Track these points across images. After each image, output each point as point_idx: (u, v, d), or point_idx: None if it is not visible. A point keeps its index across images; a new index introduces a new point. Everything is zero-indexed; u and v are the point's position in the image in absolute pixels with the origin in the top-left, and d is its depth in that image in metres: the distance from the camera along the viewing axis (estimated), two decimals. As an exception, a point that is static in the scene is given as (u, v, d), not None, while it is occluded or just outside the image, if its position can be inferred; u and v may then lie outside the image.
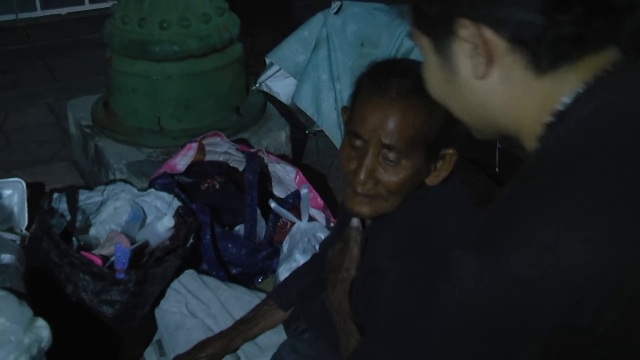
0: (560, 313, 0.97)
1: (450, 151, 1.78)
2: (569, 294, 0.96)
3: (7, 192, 3.09)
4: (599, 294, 0.95)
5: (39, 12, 5.61)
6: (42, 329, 1.88)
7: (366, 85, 1.78)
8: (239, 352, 2.30)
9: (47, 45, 5.22)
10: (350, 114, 1.81)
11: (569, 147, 1.02)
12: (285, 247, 2.68)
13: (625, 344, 0.99)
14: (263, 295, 2.47)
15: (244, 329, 2.22)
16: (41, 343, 1.86)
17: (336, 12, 3.31)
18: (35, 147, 3.86)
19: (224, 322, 2.37)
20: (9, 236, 2.82)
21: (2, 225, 2.94)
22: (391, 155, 1.74)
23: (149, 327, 2.52)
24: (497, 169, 3.24)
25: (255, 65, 3.78)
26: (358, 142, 1.76)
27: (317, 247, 2.67)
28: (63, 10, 5.66)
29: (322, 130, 3.69)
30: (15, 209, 3.08)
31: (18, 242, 2.83)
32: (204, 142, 2.94)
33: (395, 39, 3.23)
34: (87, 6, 5.73)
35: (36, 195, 3.26)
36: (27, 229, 3.07)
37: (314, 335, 2.14)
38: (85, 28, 5.45)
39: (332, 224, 2.78)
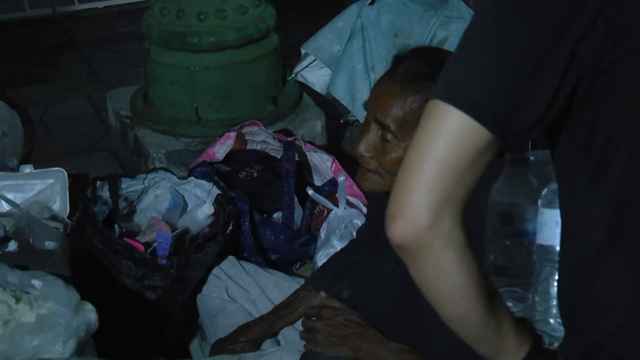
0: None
1: None
2: None
3: (49, 181, 3.11)
4: None
5: (77, 6, 5.64)
6: (90, 312, 1.90)
7: (389, 68, 1.85)
8: (279, 336, 2.31)
9: (84, 39, 5.26)
10: None
11: None
12: (322, 234, 2.69)
13: None
14: (301, 281, 2.48)
15: (283, 314, 2.23)
16: (89, 326, 1.88)
17: (370, 3, 3.32)
18: (75, 137, 3.90)
19: (264, 307, 2.39)
20: (53, 224, 2.85)
21: (45, 213, 2.97)
22: (388, 135, 1.79)
23: (191, 312, 2.54)
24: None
25: (289, 57, 3.78)
26: (368, 116, 1.84)
27: (354, 233, 2.68)
28: (100, 4, 5.70)
29: (356, 120, 3.70)
30: (58, 198, 3.10)
31: (61, 229, 2.86)
32: (242, 131, 2.96)
33: (428, 29, 3.24)
34: (124, -1, 5.76)
35: (77, 185, 3.29)
36: (68, 217, 3.11)
37: None
38: (122, 21, 5.49)
39: (368, 212, 2.78)
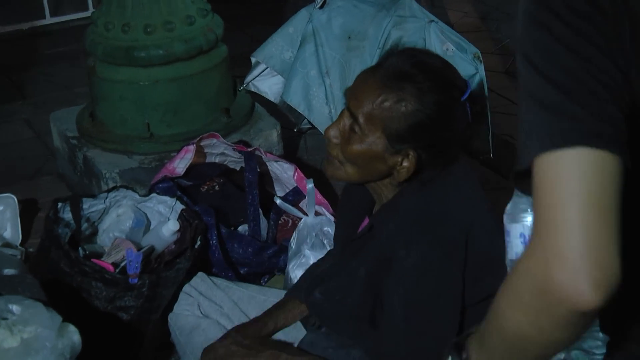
0: None
1: (411, 153, 1.85)
2: None
3: (-2, 208, 3.12)
4: None
5: (-1, 28, 5.61)
6: (73, 334, 1.93)
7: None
8: None
9: (10, 62, 5.22)
10: None
11: None
12: (293, 244, 2.74)
13: None
14: (275, 292, 2.53)
15: (276, 314, 2.26)
16: (73, 348, 1.91)
17: (321, 7, 3.39)
18: (17, 162, 3.87)
19: (239, 321, 2.43)
20: (9, 251, 2.85)
21: (-4, 241, 2.97)
22: (356, 127, 1.86)
23: (162, 333, 2.57)
24: (491, 155, 3.33)
25: (232, 68, 3.84)
26: (345, 104, 1.91)
27: (325, 241, 2.74)
28: (24, 25, 5.66)
29: (310, 128, 3.77)
30: (9, 225, 3.11)
31: (18, 256, 2.87)
32: (201, 144, 3.00)
33: (382, 30, 3.32)
34: (49, 20, 5.74)
35: (26, 211, 3.30)
36: (21, 244, 3.11)
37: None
38: (48, 42, 5.47)
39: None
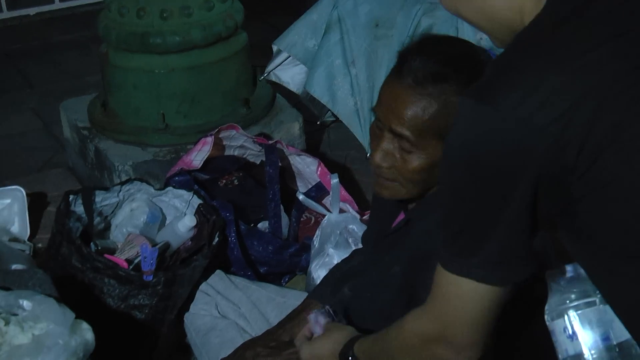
0: (547, 150, 1.24)
1: None
2: (555, 129, 1.23)
3: (5, 201, 3.14)
4: (579, 128, 1.23)
5: (5, 13, 5.64)
6: (87, 332, 1.94)
7: (394, 66, 1.87)
8: None
9: (16, 49, 5.26)
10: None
11: (550, 14, 1.31)
12: (316, 242, 2.75)
13: (611, 187, 1.26)
14: (295, 294, 2.54)
15: (290, 327, 2.28)
16: (87, 346, 1.92)
17: (347, -7, 3.39)
18: (25, 155, 3.91)
19: (256, 323, 2.44)
20: (18, 246, 2.87)
21: (4, 236, 2.99)
22: (406, 145, 1.82)
23: (178, 332, 2.58)
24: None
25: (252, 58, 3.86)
26: (380, 124, 1.87)
27: (350, 240, 2.75)
28: (31, 10, 5.70)
29: (334, 121, 3.78)
30: (17, 219, 3.13)
31: (27, 251, 2.89)
32: (220, 135, 3.01)
33: (411, 18, 3.31)
34: (57, 5, 5.77)
35: (34, 205, 3.32)
36: (29, 239, 3.13)
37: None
38: (57, 29, 5.50)
39: (363, 217, 2.84)
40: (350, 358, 1.72)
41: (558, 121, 1.23)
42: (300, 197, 2.82)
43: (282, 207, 2.94)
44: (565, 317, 1.49)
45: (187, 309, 2.54)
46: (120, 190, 2.76)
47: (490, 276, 1.38)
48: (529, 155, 1.25)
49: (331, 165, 3.25)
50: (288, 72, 3.62)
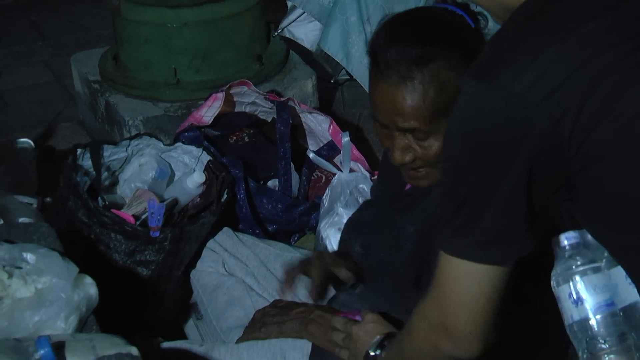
0: (543, 124, 1.26)
1: None
2: (550, 102, 1.25)
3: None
4: (574, 100, 1.25)
5: (20, -35, 5.60)
6: (90, 286, 1.92)
7: (371, 65, 1.81)
8: None
9: (29, 1, 5.24)
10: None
11: None
12: (325, 201, 2.74)
13: (608, 162, 1.28)
14: (303, 252, 2.53)
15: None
16: (90, 301, 1.91)
17: (363, -52, 3.35)
18: (35, 107, 3.90)
19: (264, 281, 2.43)
20: (24, 199, 2.86)
21: (13, 189, 2.99)
22: (418, 135, 1.79)
23: (184, 290, 2.58)
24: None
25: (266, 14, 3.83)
26: (384, 128, 1.83)
27: (360, 199, 2.73)
28: (45, -38, 5.66)
29: (348, 80, 3.75)
30: (24, 172, 3.12)
31: (35, 205, 2.88)
32: (231, 92, 2.99)
33: (428, -25, 3.27)
34: (72, -43, 5.72)
35: (43, 159, 3.31)
36: (38, 193, 3.12)
37: (366, 290, 2.20)
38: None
39: (373, 177, 2.82)
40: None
41: (553, 94, 1.25)
42: (311, 155, 2.80)
43: (292, 165, 2.92)
44: (571, 282, 1.49)
45: (194, 266, 2.53)
46: (129, 145, 2.75)
47: (486, 255, 1.39)
48: (525, 131, 1.28)
49: (344, 124, 3.23)
50: (302, 29, 3.59)
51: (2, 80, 4.16)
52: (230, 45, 3.31)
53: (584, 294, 1.49)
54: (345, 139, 2.74)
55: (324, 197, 2.76)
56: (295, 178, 2.94)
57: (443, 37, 1.78)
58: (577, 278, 1.49)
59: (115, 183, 2.78)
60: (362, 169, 2.87)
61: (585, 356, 1.52)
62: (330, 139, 3.01)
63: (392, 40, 1.77)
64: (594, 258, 1.50)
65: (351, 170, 2.80)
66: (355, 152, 2.95)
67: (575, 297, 1.49)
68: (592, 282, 1.49)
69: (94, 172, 2.65)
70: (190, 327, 2.63)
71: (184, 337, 2.60)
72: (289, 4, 3.60)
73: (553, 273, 1.53)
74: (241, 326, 2.34)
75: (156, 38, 3.27)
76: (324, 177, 2.99)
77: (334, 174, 2.80)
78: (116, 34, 3.41)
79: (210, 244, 2.54)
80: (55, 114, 3.83)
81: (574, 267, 1.50)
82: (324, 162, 2.81)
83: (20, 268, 1.93)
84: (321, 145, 3.05)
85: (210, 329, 2.46)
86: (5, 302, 1.84)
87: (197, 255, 2.53)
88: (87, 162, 2.64)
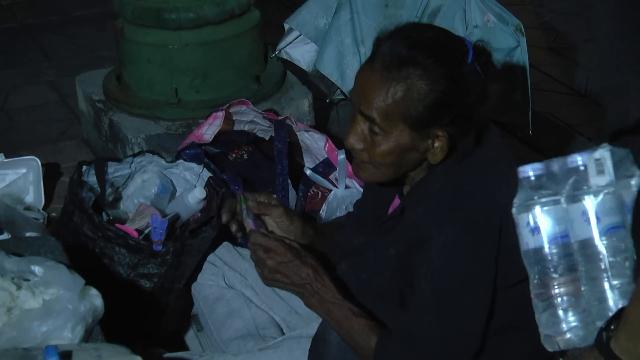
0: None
1: (439, 133, 1.85)
2: None
3: (21, 170, 3.16)
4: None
5: (26, -12, 5.63)
6: (95, 298, 1.96)
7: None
8: (282, 323, 2.37)
9: (35, 23, 5.27)
10: None
11: None
12: (323, 215, 2.76)
13: None
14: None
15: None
16: (95, 312, 1.94)
17: (357, -26, 3.37)
18: (41, 126, 3.93)
19: (263, 293, 2.45)
20: (32, 215, 2.89)
21: (18, 205, 3.01)
22: (375, 128, 1.85)
23: (185, 302, 2.60)
24: (530, 132, 3.32)
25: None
26: (354, 107, 1.91)
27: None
28: (51, -15, 5.69)
29: (343, 99, 3.78)
30: (32, 188, 3.15)
31: (41, 220, 2.90)
32: (230, 110, 3.01)
33: (421, -2, 3.30)
34: (77, -20, 5.75)
35: (49, 175, 3.33)
36: (43, 209, 3.15)
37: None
38: (74, 4, 5.50)
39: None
40: None
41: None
42: (308, 172, 2.83)
43: (289, 181, 2.94)
44: (530, 212, 1.55)
45: (195, 279, 2.55)
46: (132, 162, 2.77)
47: None
48: None
49: (339, 142, 3.24)
50: (299, 50, 3.61)
51: (9, 100, 4.19)
52: (230, 66, 3.34)
53: (541, 225, 1.55)
54: (341, 156, 2.77)
55: (320, 212, 2.78)
56: (292, 194, 2.96)
57: (434, 52, 1.83)
58: (537, 209, 1.55)
59: (119, 199, 2.80)
60: (357, 186, 2.90)
61: (535, 282, 1.58)
62: (326, 156, 3.03)
63: (393, 36, 1.86)
64: (555, 191, 1.54)
65: (346, 187, 2.83)
66: (351, 169, 2.97)
67: (532, 226, 1.55)
68: (550, 214, 1.55)
69: (99, 188, 2.67)
70: (191, 338, 2.65)
71: (185, 347, 2.62)
72: (286, 27, 3.62)
73: (515, 200, 1.58)
74: (241, 337, 2.37)
75: (158, 59, 3.29)
76: (320, 193, 3.01)
77: (330, 190, 2.83)
78: (119, 55, 3.43)
79: (211, 257, 2.56)
80: (60, 133, 3.86)
81: (535, 197, 1.55)
82: (320, 178, 2.83)
83: (29, 280, 1.97)
84: (317, 162, 3.07)
85: (210, 339, 2.49)
86: (14, 313, 1.87)
87: (198, 268, 2.55)
88: (92, 179, 2.66)
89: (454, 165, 1.90)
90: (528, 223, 1.55)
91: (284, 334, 2.35)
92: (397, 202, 2.05)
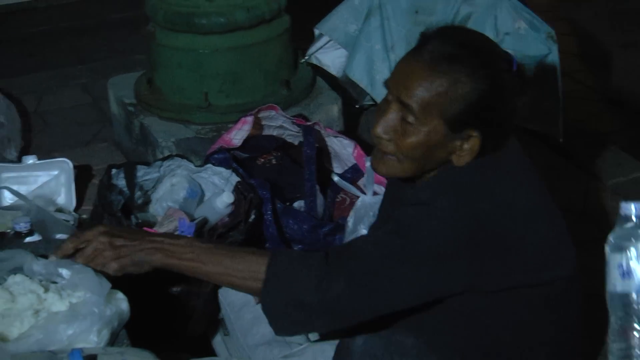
0: None
1: (474, 133, 1.83)
2: None
3: (53, 172, 3.16)
4: None
5: (62, -8, 5.67)
6: (121, 302, 1.94)
7: (415, 45, 1.90)
8: None
9: (70, 26, 5.30)
10: None
11: None
12: (350, 222, 2.74)
13: None
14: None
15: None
16: (121, 315, 1.92)
17: (388, -21, 3.36)
18: (73, 128, 3.94)
19: (289, 298, 2.43)
20: (63, 216, 2.89)
21: (50, 206, 3.02)
22: (409, 117, 1.82)
23: (213, 306, 2.59)
24: (560, 140, 3.28)
25: (296, 40, 3.85)
26: (389, 96, 1.87)
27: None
28: (87, -11, 5.72)
29: (373, 105, 3.75)
30: (63, 190, 3.15)
31: (71, 222, 2.91)
32: (259, 115, 3.01)
33: (451, 5, 3.29)
34: (112, -16, 5.78)
35: (80, 177, 3.34)
36: (75, 210, 3.15)
37: None
38: (109, 8, 5.52)
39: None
40: None
41: None
42: (335, 178, 2.81)
43: (317, 187, 2.93)
44: (625, 254, 1.44)
45: (222, 285, 2.54)
46: (161, 166, 2.77)
47: None
48: None
49: (368, 148, 3.22)
50: (329, 56, 3.60)
51: (43, 102, 4.21)
52: (259, 71, 3.33)
53: (634, 270, 1.45)
54: (369, 163, 2.74)
55: (348, 218, 2.76)
56: (320, 200, 2.94)
57: (482, 54, 1.84)
58: (632, 251, 1.45)
59: (148, 202, 2.80)
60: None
61: (616, 326, 1.48)
62: (355, 162, 3.01)
63: (441, 34, 1.88)
64: None
65: (374, 193, 2.80)
66: (378, 175, 2.95)
67: (624, 269, 1.44)
68: None
69: (128, 192, 2.67)
70: (218, 342, 2.64)
71: (212, 351, 2.61)
72: (316, 32, 3.61)
73: (611, 235, 1.48)
74: (267, 342, 2.35)
75: (188, 63, 3.30)
76: (348, 199, 2.99)
77: (358, 197, 2.81)
78: (151, 59, 3.44)
79: (238, 263, 2.54)
80: (92, 135, 3.87)
81: (632, 239, 1.45)
82: (348, 185, 2.81)
83: (56, 283, 1.95)
84: (346, 168, 3.05)
85: (237, 345, 2.47)
86: (41, 315, 1.86)
87: (226, 273, 2.54)
88: (121, 182, 2.66)
89: (461, 167, 1.88)
90: (620, 265, 1.45)
91: (309, 339, 2.33)
92: None
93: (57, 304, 1.89)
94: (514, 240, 1.82)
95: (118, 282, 2.31)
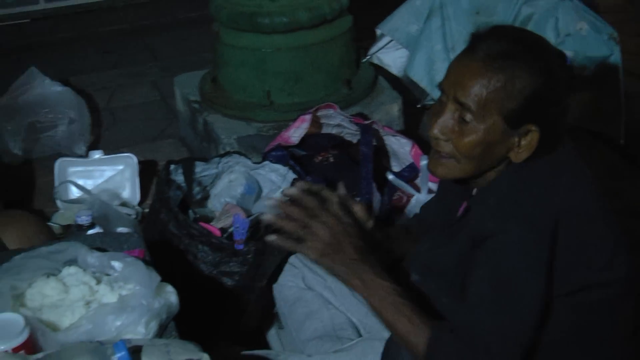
0: None
1: (533, 127, 1.80)
2: None
3: (119, 167, 3.23)
4: None
5: (138, -8, 5.77)
6: (171, 294, 1.97)
7: (467, 45, 1.86)
8: (358, 323, 2.36)
9: (145, 25, 5.39)
10: None
11: None
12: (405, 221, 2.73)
13: None
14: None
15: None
16: (170, 308, 1.95)
17: (450, -20, 3.34)
18: (142, 124, 4.01)
19: (341, 295, 2.44)
20: (124, 210, 2.95)
21: (115, 200, 3.08)
22: (467, 116, 1.79)
23: (267, 301, 2.61)
24: (622, 141, 3.22)
25: (359, 40, 3.85)
26: (443, 97, 1.85)
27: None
28: (161, -11, 5.81)
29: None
30: (128, 184, 3.22)
31: (134, 216, 2.96)
32: (318, 114, 3.02)
33: (512, 7, 3.25)
34: (186, -16, 5.86)
35: (145, 172, 3.40)
36: (139, 204, 3.21)
37: None
38: (183, 7, 5.60)
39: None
40: None
41: None
42: (390, 176, 2.81)
43: (375, 185, 2.92)
44: None
45: (277, 280, 2.56)
46: (219, 162, 2.80)
47: None
48: None
49: (427, 147, 3.21)
50: (390, 56, 3.60)
51: (114, 98, 4.29)
52: (321, 70, 3.34)
53: None
54: (424, 161, 2.73)
55: (403, 217, 2.76)
56: (377, 197, 2.94)
57: (535, 49, 1.82)
58: None
59: (206, 197, 2.83)
60: (441, 191, 2.86)
61: None
62: (412, 161, 3.00)
63: (492, 33, 1.84)
64: None
65: (429, 192, 2.79)
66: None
67: None
68: None
69: (186, 187, 2.70)
70: (272, 336, 2.67)
71: (266, 344, 2.63)
72: (378, 32, 3.61)
73: None
74: (319, 337, 2.36)
75: (251, 62, 3.32)
76: (405, 198, 2.98)
77: (413, 195, 2.80)
78: (215, 58, 3.48)
79: (292, 259, 2.56)
80: (159, 131, 3.94)
81: None
82: (403, 183, 2.81)
83: (109, 275, 2.00)
84: (404, 166, 3.05)
85: (290, 338, 2.49)
86: (92, 306, 1.90)
87: (280, 268, 2.56)
88: (179, 177, 2.70)
89: (522, 168, 1.86)
90: None
91: (360, 335, 2.34)
92: (464, 207, 2.01)
93: (108, 295, 1.93)
94: (577, 241, 1.81)
95: (175, 274, 2.35)
